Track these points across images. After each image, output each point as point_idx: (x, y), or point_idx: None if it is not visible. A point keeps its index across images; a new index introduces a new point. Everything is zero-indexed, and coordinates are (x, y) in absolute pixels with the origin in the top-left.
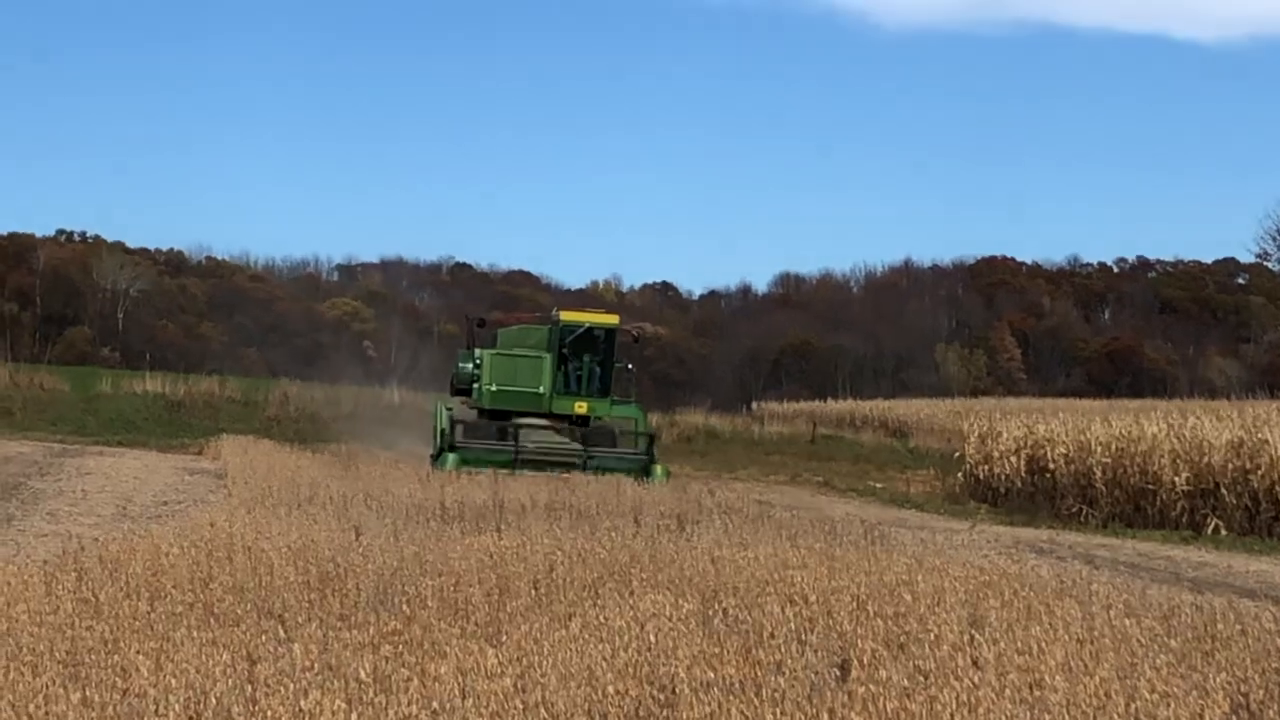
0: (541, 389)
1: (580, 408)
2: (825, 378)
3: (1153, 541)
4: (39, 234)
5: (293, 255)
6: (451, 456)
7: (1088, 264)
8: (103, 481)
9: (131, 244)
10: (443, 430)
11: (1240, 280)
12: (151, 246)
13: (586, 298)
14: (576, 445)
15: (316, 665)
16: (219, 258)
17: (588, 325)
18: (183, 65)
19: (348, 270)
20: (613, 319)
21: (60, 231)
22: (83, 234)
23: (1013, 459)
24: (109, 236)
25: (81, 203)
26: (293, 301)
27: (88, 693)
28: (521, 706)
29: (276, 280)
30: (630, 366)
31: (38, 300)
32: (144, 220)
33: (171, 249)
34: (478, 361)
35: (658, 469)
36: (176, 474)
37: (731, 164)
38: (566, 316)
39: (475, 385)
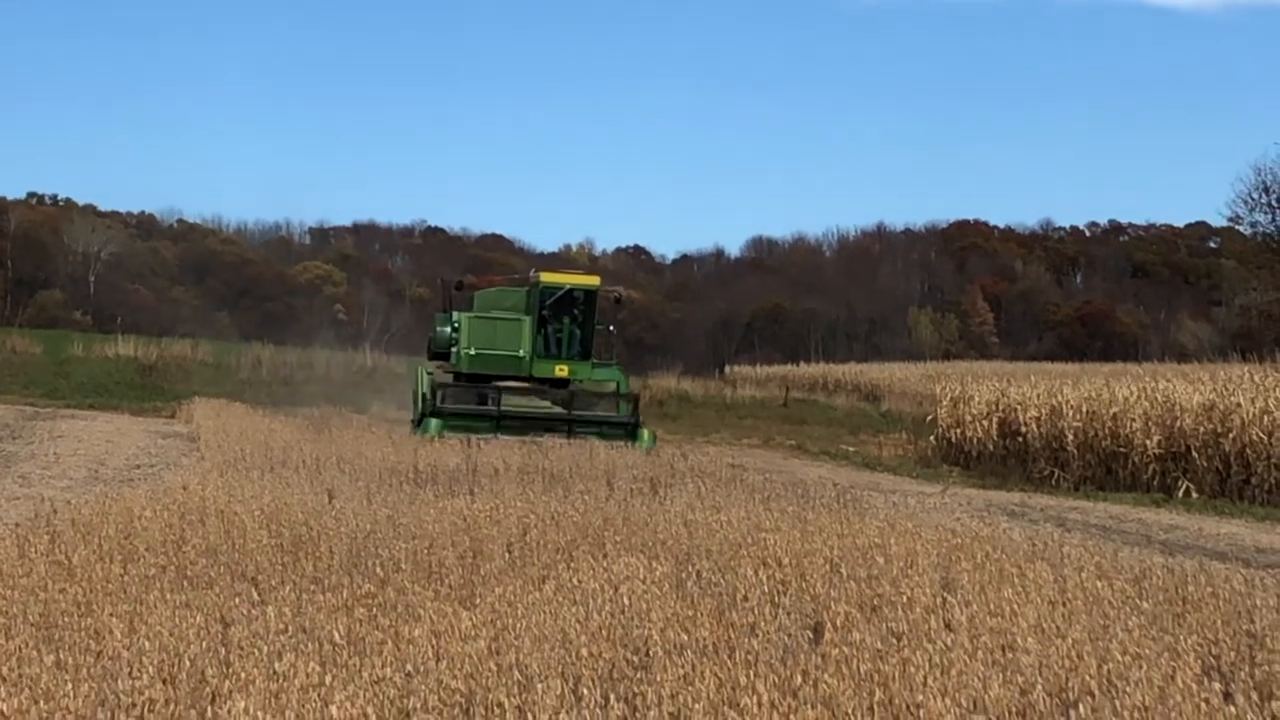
0: (521, 352)
1: (561, 371)
2: (798, 341)
3: (1124, 504)
4: (10, 197)
5: (265, 219)
6: (435, 421)
7: (1060, 228)
8: (75, 445)
9: (103, 207)
10: (424, 395)
11: (1212, 244)
12: (123, 209)
13: (560, 261)
14: (560, 409)
15: (290, 628)
16: (190, 221)
17: (569, 287)
18: (155, 28)
19: (320, 234)
20: (594, 280)
21: (31, 194)
22: (54, 197)
23: (985, 422)
24: (80, 199)
25: (52, 166)
26: (265, 265)
27: (61, 655)
28: (495, 669)
29: (248, 243)
30: (612, 329)
31: (9, 263)
32: (115, 183)
33: (143, 212)
34: (456, 325)
35: (645, 433)
36: (149, 437)
37: (704, 128)
38: (547, 278)
39: (453, 349)
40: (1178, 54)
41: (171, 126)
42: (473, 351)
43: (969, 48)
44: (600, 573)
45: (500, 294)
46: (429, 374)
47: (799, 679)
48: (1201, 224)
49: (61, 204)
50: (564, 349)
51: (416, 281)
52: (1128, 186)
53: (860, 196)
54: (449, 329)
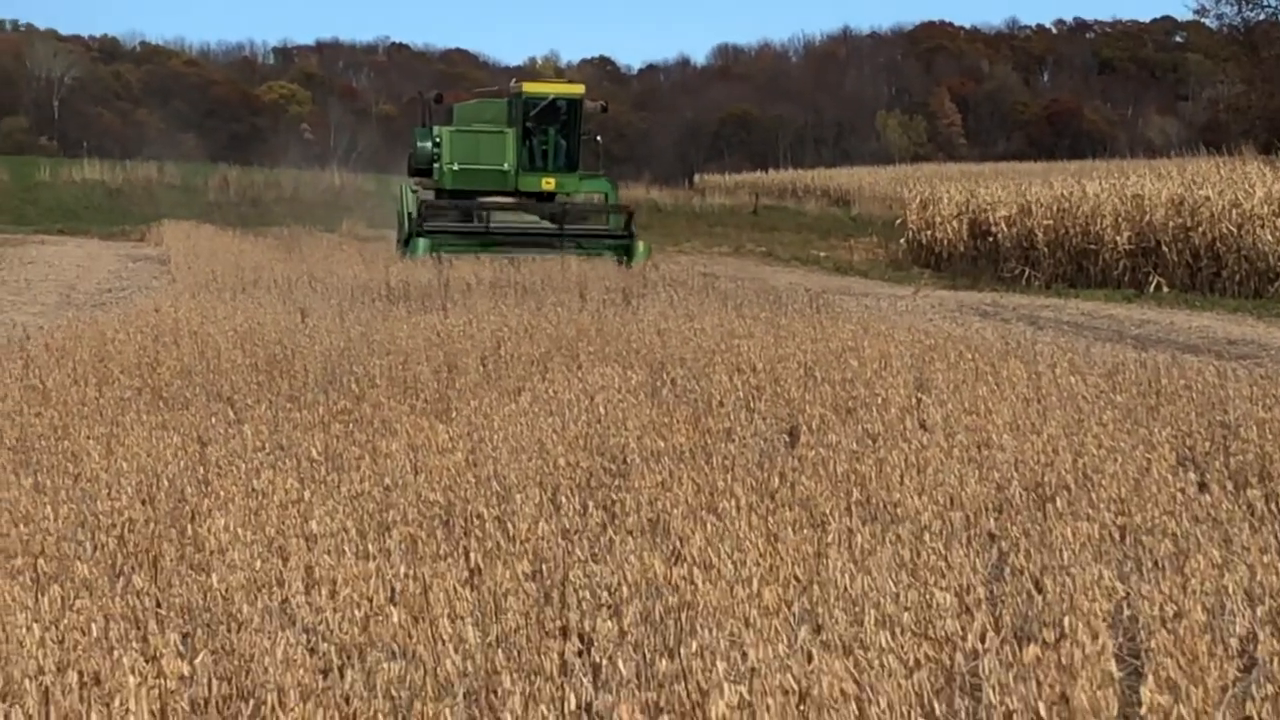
0: (506, 166)
1: (548, 184)
2: (766, 149)
3: (1096, 301)
4: None
5: (227, 39)
6: (423, 242)
7: (1026, 26)
8: (45, 270)
9: (64, 31)
10: (409, 214)
11: (1178, 38)
12: (84, 33)
13: (526, 74)
14: (550, 224)
15: (267, 446)
16: (153, 43)
17: (552, 96)
18: None
19: (283, 53)
20: (578, 89)
21: None
22: (14, 23)
23: (954, 224)
24: (41, 24)
25: None
26: (229, 86)
27: (39, 478)
28: (474, 480)
29: (212, 64)
30: (599, 138)
31: None
32: (76, 7)
33: (105, 35)
34: (437, 139)
35: (640, 246)
36: (119, 261)
37: None
38: (529, 88)
39: (435, 164)
40: None
41: None
42: (455, 167)
43: None
44: (575, 383)
45: (481, 106)
46: (414, 192)
47: (776, 481)
48: (1167, 18)
49: (22, 30)
50: (549, 161)
51: (382, 99)
52: None
53: (825, 0)
54: (430, 144)
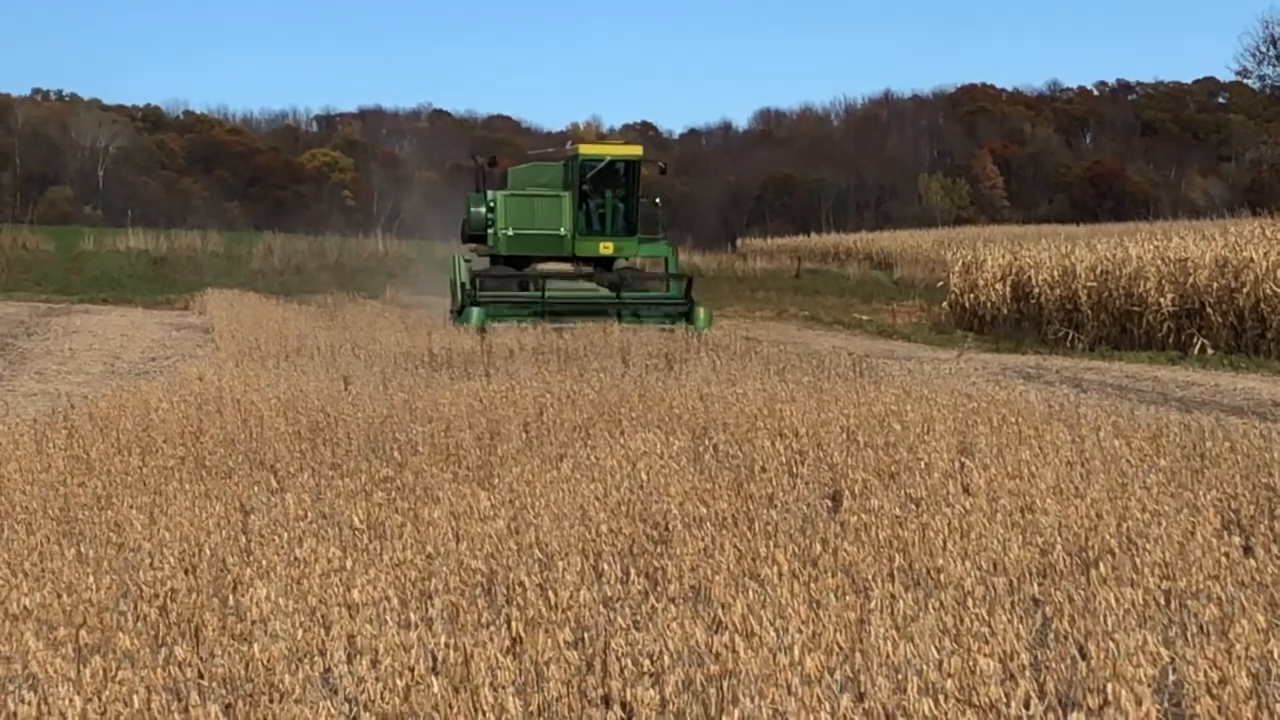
0: (562, 230)
1: (606, 248)
2: (808, 212)
3: (1140, 363)
4: (15, 94)
5: (271, 107)
6: (477, 311)
7: (1068, 88)
8: (90, 340)
9: (108, 101)
10: (462, 284)
11: (1220, 99)
12: (128, 103)
13: (573, 138)
14: (607, 292)
15: (310, 514)
16: (197, 112)
17: (609, 158)
18: None
19: (326, 121)
20: (636, 150)
21: (36, 90)
22: (59, 92)
23: (998, 286)
24: (85, 94)
25: (57, 61)
26: (272, 154)
27: (83, 548)
28: (515, 548)
29: (255, 133)
30: (658, 201)
31: (17, 160)
32: (120, 76)
33: (149, 104)
34: (491, 204)
35: (700, 312)
36: (163, 330)
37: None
38: (586, 150)
39: (490, 230)
40: None
41: (174, 17)
42: (510, 232)
43: None
44: (617, 449)
45: (536, 170)
46: (466, 261)
47: (818, 548)
48: (1209, 79)
49: (67, 99)
50: (607, 225)
51: (424, 165)
52: (1134, 44)
53: (867, 64)
54: (484, 209)
